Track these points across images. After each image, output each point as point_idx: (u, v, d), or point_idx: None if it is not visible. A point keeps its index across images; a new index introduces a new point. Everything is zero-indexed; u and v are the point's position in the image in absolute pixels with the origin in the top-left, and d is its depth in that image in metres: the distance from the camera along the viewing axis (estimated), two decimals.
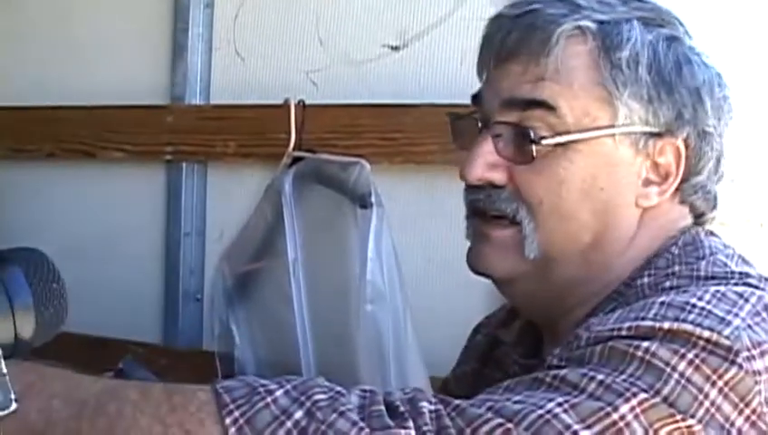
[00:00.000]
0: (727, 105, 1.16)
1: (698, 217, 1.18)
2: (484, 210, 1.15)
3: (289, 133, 2.15)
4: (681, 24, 1.16)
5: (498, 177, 1.13)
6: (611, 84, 1.09)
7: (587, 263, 1.13)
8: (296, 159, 2.12)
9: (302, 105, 2.17)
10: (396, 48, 2.13)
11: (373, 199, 1.87)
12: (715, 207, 1.19)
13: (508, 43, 1.12)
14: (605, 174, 1.11)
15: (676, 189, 1.14)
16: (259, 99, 2.27)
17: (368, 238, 1.84)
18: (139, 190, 2.47)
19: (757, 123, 1.77)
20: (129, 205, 2.48)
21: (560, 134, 1.10)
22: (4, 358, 0.88)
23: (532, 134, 1.10)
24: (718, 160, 1.15)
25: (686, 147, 1.12)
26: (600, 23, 1.10)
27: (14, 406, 0.89)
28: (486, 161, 1.13)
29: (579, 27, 1.10)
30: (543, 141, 1.09)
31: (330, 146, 2.11)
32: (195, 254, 2.39)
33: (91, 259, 2.45)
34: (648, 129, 1.11)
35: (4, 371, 0.88)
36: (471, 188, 1.16)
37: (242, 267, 2.11)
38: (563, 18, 1.10)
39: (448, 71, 2.05)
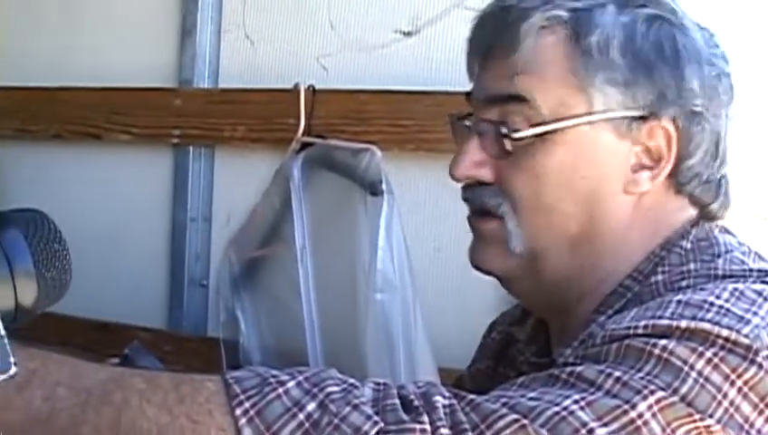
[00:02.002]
0: (723, 85, 1.12)
1: (703, 209, 1.15)
2: (475, 208, 1.16)
3: (298, 118, 2.13)
4: (670, 1, 1.13)
5: (485, 174, 1.13)
6: (583, 71, 1.08)
7: (579, 254, 1.12)
8: (305, 145, 2.10)
9: (311, 90, 2.15)
10: (408, 34, 2.11)
11: (384, 187, 1.85)
12: (721, 197, 1.15)
13: (485, 41, 1.14)
14: (586, 162, 1.09)
15: (671, 176, 1.11)
16: (268, 83, 2.26)
17: (378, 226, 1.83)
18: (146, 174, 2.45)
19: (763, 117, 1.75)
20: (134, 188, 2.47)
21: (535, 126, 1.09)
22: (5, 327, 0.85)
23: (504, 129, 1.10)
24: (716, 144, 1.12)
25: (676, 128, 1.09)
26: (573, 11, 1.09)
27: (13, 370, 0.86)
28: (472, 160, 1.13)
29: (548, 18, 1.09)
30: (516, 134, 1.09)
31: (339, 132, 2.09)
32: (201, 239, 2.37)
33: (96, 243, 2.44)
34: (628, 113, 1.08)
35: (2, 332, 0.85)
36: (464, 187, 1.17)
37: (249, 254, 2.10)
38: (534, 11, 1.09)
39: (461, 58, 2.01)
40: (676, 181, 1.12)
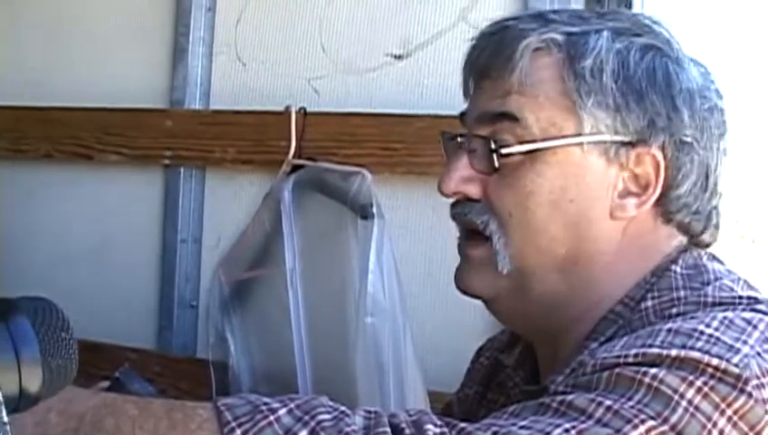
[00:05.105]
0: (715, 119, 1.14)
1: (693, 238, 1.15)
2: (462, 225, 1.16)
3: (289, 141, 2.13)
4: (667, 34, 1.15)
5: (473, 190, 1.13)
6: (575, 93, 1.09)
7: (567, 278, 1.12)
8: (296, 167, 2.11)
9: (302, 113, 2.15)
10: (399, 57, 2.12)
11: (374, 210, 1.86)
12: (712, 227, 1.16)
13: (481, 61, 1.15)
14: (574, 185, 1.10)
15: (659, 205, 1.12)
16: (259, 105, 2.26)
17: (369, 250, 1.83)
18: (136, 194, 2.45)
19: (750, 139, 1.76)
20: (125, 209, 2.46)
21: (524, 144, 1.10)
22: (8, 412, 0.85)
23: (493, 144, 1.10)
24: (706, 176, 1.13)
25: (664, 157, 1.10)
26: (569, 34, 1.11)
27: None
28: (461, 175, 1.13)
29: (544, 40, 1.10)
30: (504, 150, 1.10)
31: (330, 154, 2.10)
32: (191, 260, 2.37)
33: (86, 263, 2.44)
34: (617, 138, 1.09)
35: (5, 419, 0.85)
36: (453, 203, 1.17)
37: (239, 275, 2.10)
38: (531, 32, 1.11)
39: (451, 81, 2.03)
40: (665, 210, 1.13)
